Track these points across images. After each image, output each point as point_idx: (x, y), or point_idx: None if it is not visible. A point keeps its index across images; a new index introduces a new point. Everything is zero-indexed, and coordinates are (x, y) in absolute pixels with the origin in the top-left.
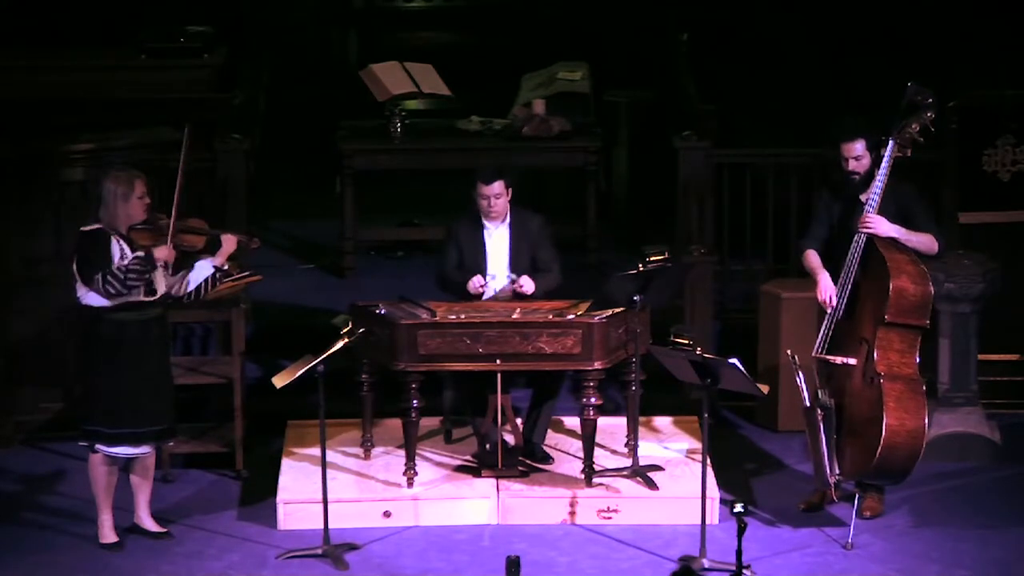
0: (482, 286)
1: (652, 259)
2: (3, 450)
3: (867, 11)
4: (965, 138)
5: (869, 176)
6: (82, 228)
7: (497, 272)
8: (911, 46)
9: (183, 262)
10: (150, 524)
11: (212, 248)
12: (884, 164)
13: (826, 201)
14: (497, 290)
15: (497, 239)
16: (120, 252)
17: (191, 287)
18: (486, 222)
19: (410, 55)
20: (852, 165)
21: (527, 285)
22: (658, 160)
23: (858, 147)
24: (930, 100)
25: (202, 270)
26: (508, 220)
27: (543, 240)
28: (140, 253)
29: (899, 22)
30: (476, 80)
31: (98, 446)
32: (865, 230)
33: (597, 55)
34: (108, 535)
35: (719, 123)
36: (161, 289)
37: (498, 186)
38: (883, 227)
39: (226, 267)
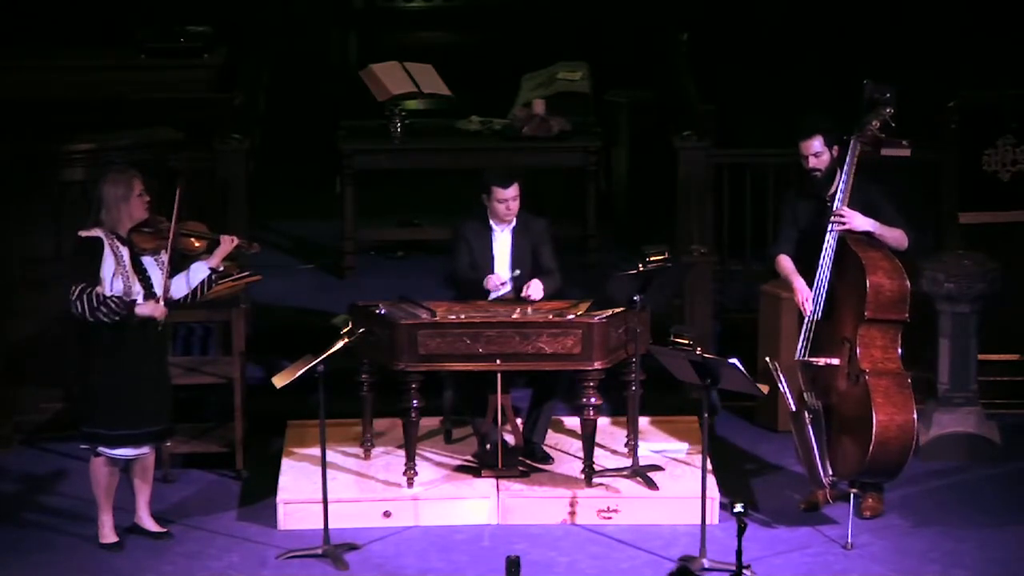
0: (502, 284)
1: (652, 259)
2: (3, 450)
3: (867, 10)
4: (965, 138)
5: (831, 174)
6: (80, 232)
7: (502, 274)
8: (911, 46)
9: (181, 264)
10: (150, 524)
11: (211, 250)
12: (847, 163)
13: (791, 204)
14: (504, 292)
15: (504, 241)
16: (115, 258)
17: (187, 289)
18: (495, 224)
19: (410, 55)
20: (812, 162)
21: (535, 291)
22: (658, 160)
23: (815, 144)
24: (888, 95)
25: (198, 272)
26: (513, 223)
27: (546, 243)
28: (125, 299)
29: (899, 22)
30: (476, 80)
31: (100, 448)
32: (839, 226)
33: (597, 55)
34: (108, 535)
35: (719, 123)
36: (159, 292)
37: (515, 189)
38: (856, 221)
39: (222, 268)
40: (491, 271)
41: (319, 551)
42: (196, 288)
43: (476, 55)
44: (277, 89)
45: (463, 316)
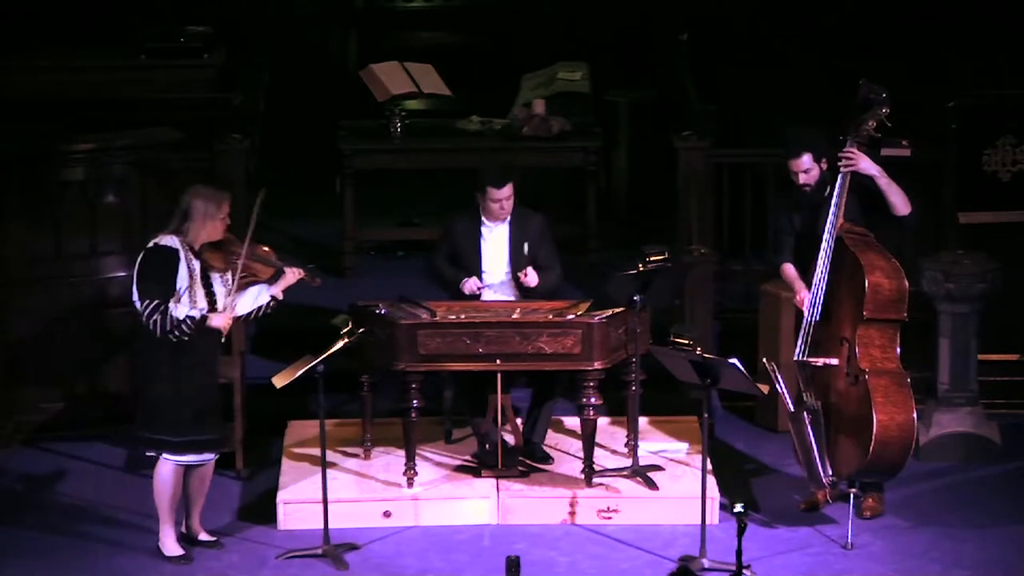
0: (479, 288)
1: (652, 259)
2: (3, 450)
3: (867, 10)
4: (965, 138)
5: (823, 183)
6: (155, 241)
7: (493, 270)
8: (911, 46)
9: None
10: (202, 534)
11: (275, 277)
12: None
13: (788, 213)
14: (494, 287)
15: (496, 238)
16: (189, 271)
17: (246, 311)
18: (487, 221)
19: (410, 55)
20: (803, 179)
21: (531, 277)
22: (658, 160)
23: (805, 161)
24: (884, 95)
25: (262, 296)
26: (508, 219)
27: (544, 239)
28: (198, 316)
29: (899, 21)
30: (476, 80)
31: (165, 455)
32: (847, 167)
33: (597, 55)
34: (173, 548)
35: (719, 123)
36: (220, 306)
37: (509, 189)
38: (863, 163)
39: (281, 297)
40: (479, 269)
41: (319, 551)
42: (254, 310)
43: (476, 55)
44: (277, 89)
45: (463, 316)
